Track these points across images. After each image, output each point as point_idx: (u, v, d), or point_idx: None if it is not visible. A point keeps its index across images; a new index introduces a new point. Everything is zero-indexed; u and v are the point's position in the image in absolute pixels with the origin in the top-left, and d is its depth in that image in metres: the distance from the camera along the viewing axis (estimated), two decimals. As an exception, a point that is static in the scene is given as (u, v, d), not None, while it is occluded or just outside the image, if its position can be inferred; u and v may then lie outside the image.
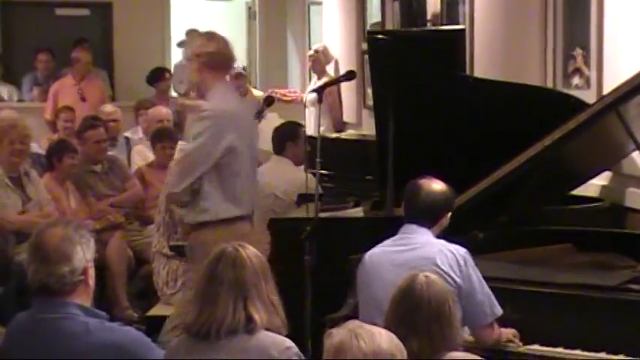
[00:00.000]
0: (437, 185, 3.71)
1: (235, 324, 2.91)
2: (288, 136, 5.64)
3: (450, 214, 3.75)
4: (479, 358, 2.24)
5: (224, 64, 4.38)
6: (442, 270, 3.49)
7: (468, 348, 3.32)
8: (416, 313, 3.00)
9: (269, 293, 2.99)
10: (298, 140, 5.58)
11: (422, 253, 3.57)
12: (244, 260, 2.98)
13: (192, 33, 10.40)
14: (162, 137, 6.71)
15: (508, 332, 3.66)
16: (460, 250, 3.58)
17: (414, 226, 3.68)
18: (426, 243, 3.62)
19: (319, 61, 9.15)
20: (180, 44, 10.61)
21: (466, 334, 3.57)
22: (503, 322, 3.68)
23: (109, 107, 7.93)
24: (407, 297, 3.04)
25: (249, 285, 2.95)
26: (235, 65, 9.34)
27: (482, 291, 3.56)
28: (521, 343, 3.65)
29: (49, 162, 6.32)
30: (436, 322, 3.00)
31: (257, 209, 4.71)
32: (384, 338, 2.47)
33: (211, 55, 4.31)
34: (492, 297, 3.57)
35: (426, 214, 3.70)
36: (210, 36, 4.42)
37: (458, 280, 3.52)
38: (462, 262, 3.54)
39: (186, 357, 2.97)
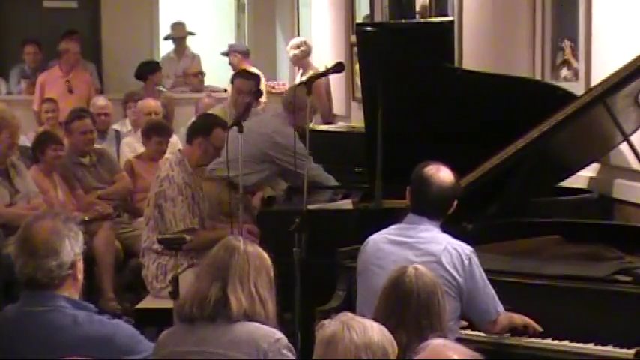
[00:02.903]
0: (446, 177, 3.64)
1: (210, 301, 2.93)
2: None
3: (456, 202, 3.72)
4: (457, 345, 2.24)
5: None
6: (445, 268, 3.49)
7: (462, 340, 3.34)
8: (405, 306, 3.01)
9: (256, 284, 2.99)
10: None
11: (428, 249, 3.55)
12: (237, 249, 3.01)
13: (177, 26, 10.40)
14: (158, 131, 6.70)
15: (525, 319, 3.63)
16: (465, 249, 3.56)
17: (424, 219, 3.63)
18: (432, 238, 3.59)
19: (298, 56, 9.11)
20: (167, 38, 10.57)
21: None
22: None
23: (101, 101, 7.91)
24: (396, 290, 3.05)
25: (232, 269, 2.97)
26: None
27: (485, 290, 3.56)
28: (539, 328, 3.63)
29: (34, 154, 6.31)
30: (425, 316, 3.01)
31: None
32: (375, 330, 2.49)
33: None
34: (495, 296, 3.57)
35: (438, 209, 3.65)
36: None
37: (460, 279, 3.51)
38: (466, 261, 3.53)
39: (177, 349, 2.98)
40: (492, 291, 3.57)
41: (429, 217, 3.64)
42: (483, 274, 3.57)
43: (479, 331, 3.66)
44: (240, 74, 6.88)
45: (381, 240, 3.66)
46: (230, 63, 9.47)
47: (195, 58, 10.30)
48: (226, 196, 5.48)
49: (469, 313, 3.56)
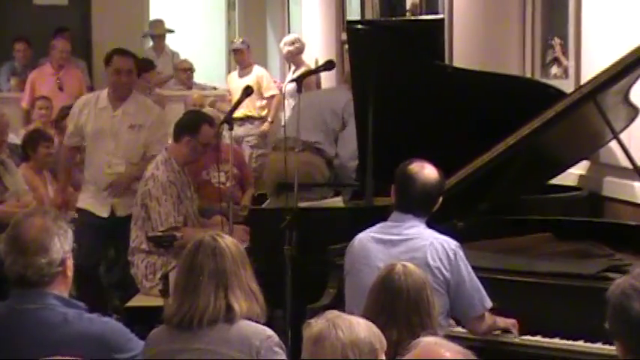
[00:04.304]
0: (431, 173, 3.65)
1: (216, 313, 2.92)
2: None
3: (441, 198, 3.73)
4: (449, 342, 2.24)
5: None
6: (431, 263, 3.50)
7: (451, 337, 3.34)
8: (395, 303, 3.02)
9: (248, 281, 3.00)
10: None
11: (413, 245, 3.56)
12: (223, 249, 2.98)
13: (156, 24, 10.37)
14: None
15: (508, 322, 3.66)
16: (451, 244, 3.57)
17: (409, 216, 3.63)
18: (417, 234, 3.60)
19: (293, 53, 9.11)
20: (146, 35, 10.53)
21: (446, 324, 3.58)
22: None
23: (90, 98, 7.88)
24: (386, 287, 3.06)
25: (229, 274, 2.96)
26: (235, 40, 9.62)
27: (472, 284, 3.56)
28: (517, 333, 3.66)
29: (25, 152, 6.29)
30: (415, 313, 3.02)
31: None
32: (362, 327, 2.48)
33: None
34: (482, 290, 3.57)
35: (423, 206, 3.66)
36: None
37: (446, 273, 3.52)
38: (452, 256, 3.54)
39: (168, 347, 2.98)
40: (479, 285, 3.57)
41: (414, 213, 3.64)
42: (469, 268, 3.57)
43: (465, 328, 3.66)
44: (117, 51, 5.83)
45: (366, 239, 3.67)
46: (236, 60, 9.42)
47: (174, 56, 10.28)
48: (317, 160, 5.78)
49: (455, 308, 3.56)
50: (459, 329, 3.69)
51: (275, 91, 9.15)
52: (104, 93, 5.81)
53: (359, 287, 3.50)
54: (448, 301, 3.53)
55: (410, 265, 3.11)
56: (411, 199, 3.65)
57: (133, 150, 5.66)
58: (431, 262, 3.50)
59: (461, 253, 3.57)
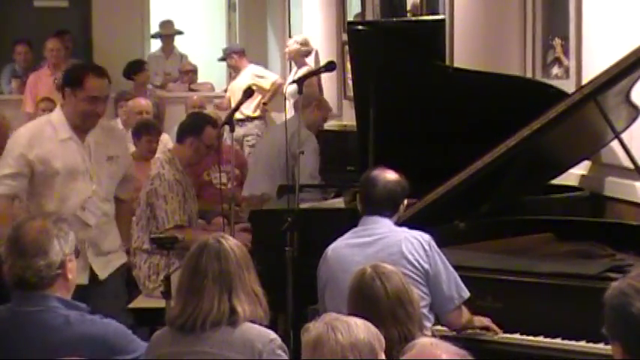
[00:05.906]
0: (391, 175, 3.75)
1: (220, 316, 2.92)
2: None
3: (406, 201, 3.78)
4: (445, 343, 2.23)
5: None
6: (408, 256, 3.54)
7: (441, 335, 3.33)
8: (378, 307, 2.99)
9: (252, 283, 2.99)
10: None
11: (387, 243, 3.61)
12: (228, 252, 2.98)
13: (166, 24, 10.40)
14: (148, 130, 6.68)
15: (482, 320, 3.68)
16: (424, 236, 3.62)
17: (376, 217, 3.70)
18: (389, 232, 3.65)
19: (300, 52, 9.11)
20: (155, 36, 10.57)
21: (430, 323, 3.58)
22: (484, 311, 3.70)
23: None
24: (364, 295, 3.03)
25: (233, 277, 2.96)
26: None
27: (449, 275, 3.60)
28: (499, 330, 3.67)
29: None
30: (400, 306, 3.02)
31: None
32: (360, 328, 2.46)
33: None
34: (459, 280, 3.61)
35: (387, 204, 3.72)
36: None
37: (425, 265, 3.56)
38: (427, 247, 3.59)
39: (170, 349, 2.97)
40: (456, 275, 3.61)
41: (380, 214, 3.70)
42: (445, 259, 3.61)
43: (441, 323, 3.66)
44: (93, 70, 4.40)
45: (340, 247, 3.71)
46: (229, 66, 9.47)
47: (183, 58, 10.31)
48: None
49: (434, 300, 3.58)
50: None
51: (274, 77, 9.18)
52: (57, 120, 4.39)
53: (339, 295, 3.48)
54: (429, 293, 3.55)
55: (378, 263, 3.11)
56: (375, 201, 3.72)
57: (112, 188, 4.51)
58: (408, 255, 3.55)
59: (434, 244, 3.62)
